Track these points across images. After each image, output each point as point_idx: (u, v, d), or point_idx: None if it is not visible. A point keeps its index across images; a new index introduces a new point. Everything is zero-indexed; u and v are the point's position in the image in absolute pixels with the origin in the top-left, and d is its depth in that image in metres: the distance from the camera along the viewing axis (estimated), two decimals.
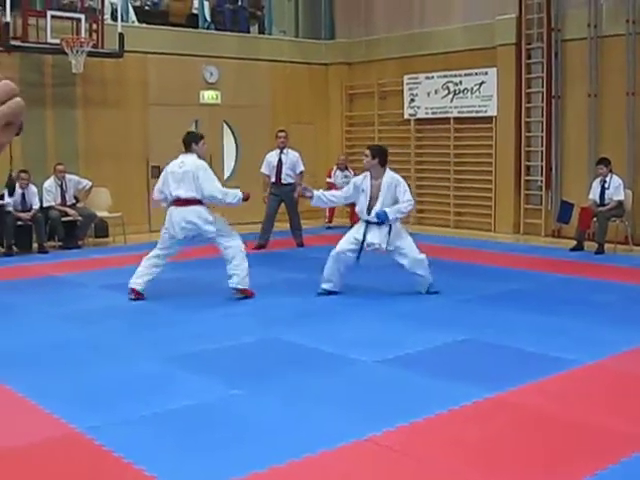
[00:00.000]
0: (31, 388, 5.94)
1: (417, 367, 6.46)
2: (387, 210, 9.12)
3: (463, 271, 11.20)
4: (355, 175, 16.30)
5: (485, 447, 4.77)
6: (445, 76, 16.20)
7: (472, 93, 15.83)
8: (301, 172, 13.91)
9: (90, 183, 14.33)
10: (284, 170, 13.74)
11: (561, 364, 6.47)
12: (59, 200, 13.86)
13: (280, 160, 13.78)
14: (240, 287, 9.22)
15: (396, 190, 9.36)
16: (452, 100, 16.16)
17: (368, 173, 9.43)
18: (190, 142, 9.38)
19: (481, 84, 15.66)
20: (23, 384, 6.04)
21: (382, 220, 9.12)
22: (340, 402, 5.61)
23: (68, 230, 13.85)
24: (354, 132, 18.47)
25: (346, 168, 16.43)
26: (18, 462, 4.69)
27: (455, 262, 11.98)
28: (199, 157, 9.31)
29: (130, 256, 12.63)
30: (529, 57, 15.22)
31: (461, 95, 16.03)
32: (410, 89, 16.88)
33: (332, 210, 16.33)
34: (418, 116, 16.83)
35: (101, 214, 14.49)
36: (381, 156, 9.43)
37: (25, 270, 11.69)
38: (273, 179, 13.74)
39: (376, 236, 9.21)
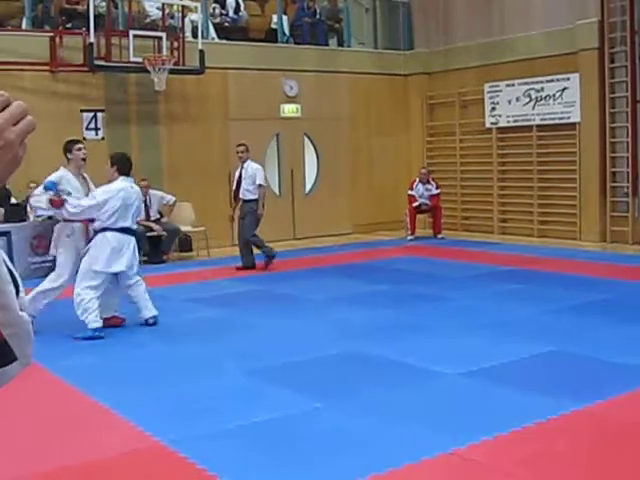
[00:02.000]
0: (116, 401, 6.03)
1: (502, 380, 6.36)
2: None
3: (548, 280, 11.00)
4: (437, 188, 16.30)
5: (573, 461, 4.67)
6: (526, 83, 16.00)
7: (554, 100, 15.61)
8: (260, 185, 12.84)
9: (174, 198, 14.52)
10: (243, 185, 12.88)
11: None
12: (143, 215, 14.07)
13: (240, 174, 13.01)
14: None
15: None
16: (534, 107, 15.94)
17: None
18: (65, 151, 9.09)
19: (563, 90, 15.43)
20: (108, 397, 6.13)
21: None
22: (424, 415, 5.55)
23: (153, 245, 14.05)
24: (435, 142, 18.37)
25: (428, 181, 16.32)
26: (104, 474, 4.77)
27: (540, 271, 11.78)
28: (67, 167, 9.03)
29: (214, 269, 12.81)
30: (612, 61, 14.93)
31: (543, 102, 15.81)
32: (491, 97, 16.72)
33: (414, 221, 16.25)
34: (500, 124, 16.65)
35: (185, 228, 14.67)
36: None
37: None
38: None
39: None
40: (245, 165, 13.00)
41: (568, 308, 9.07)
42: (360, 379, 6.55)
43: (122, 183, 8.76)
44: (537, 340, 7.56)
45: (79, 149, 8.99)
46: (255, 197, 12.81)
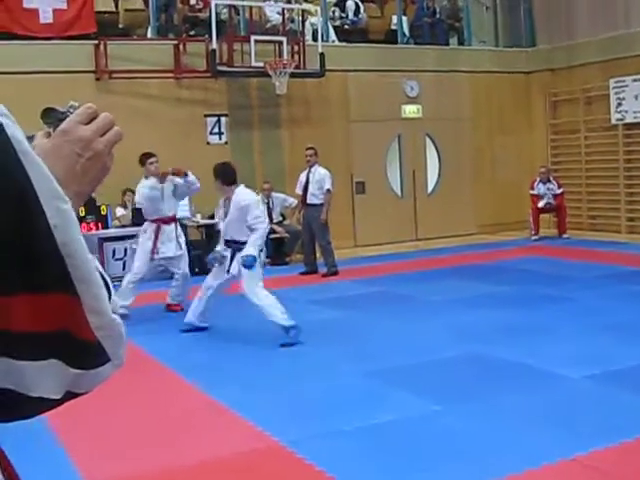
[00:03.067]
0: (235, 400, 6.15)
1: (628, 384, 6.19)
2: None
3: None
4: (560, 187, 15.97)
5: None
6: None
7: None
8: (328, 190, 12.88)
9: (296, 201, 14.64)
10: (310, 189, 12.91)
11: None
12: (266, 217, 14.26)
13: (307, 179, 12.99)
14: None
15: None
16: None
17: None
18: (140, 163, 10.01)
19: None
20: (229, 396, 6.27)
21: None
22: (545, 419, 5.46)
23: (276, 247, 14.23)
24: (559, 140, 18.00)
25: (548, 180, 16.01)
26: (222, 472, 4.87)
27: None
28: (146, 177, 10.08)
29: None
30: None
31: None
32: (616, 93, 16.27)
33: (537, 221, 15.98)
34: (626, 120, 16.18)
35: None
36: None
37: (235, 286, 12.07)
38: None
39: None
40: (313, 169, 12.99)
41: None
42: (480, 382, 6.49)
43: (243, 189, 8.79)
44: None
45: (151, 163, 9.91)
46: (321, 202, 12.82)
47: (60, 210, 1.00)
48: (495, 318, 8.84)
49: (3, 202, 0.96)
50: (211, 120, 14.90)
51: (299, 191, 13.14)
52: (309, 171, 13.01)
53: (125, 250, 12.28)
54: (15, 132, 0.99)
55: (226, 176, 8.70)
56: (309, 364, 7.33)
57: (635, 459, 4.71)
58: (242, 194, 8.59)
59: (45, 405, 1.08)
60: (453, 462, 4.76)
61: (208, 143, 14.91)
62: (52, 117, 1.24)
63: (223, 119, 14.99)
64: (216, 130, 14.97)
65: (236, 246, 8.56)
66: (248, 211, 8.35)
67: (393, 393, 6.25)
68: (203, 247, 13.67)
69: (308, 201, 12.92)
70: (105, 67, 13.67)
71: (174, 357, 7.39)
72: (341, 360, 7.38)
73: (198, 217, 13.70)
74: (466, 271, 12.31)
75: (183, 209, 13.21)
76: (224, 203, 8.83)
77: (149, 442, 5.42)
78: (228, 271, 8.71)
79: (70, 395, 1.10)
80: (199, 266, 13.31)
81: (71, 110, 1.23)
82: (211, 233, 13.75)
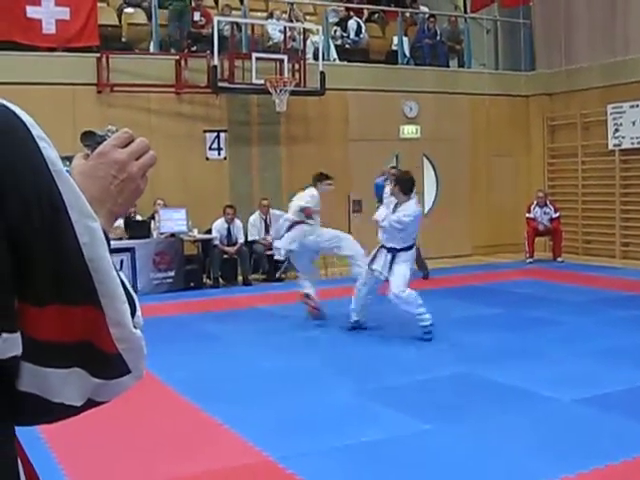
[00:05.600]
0: (227, 415, 6.19)
1: (617, 408, 6.23)
2: None
3: None
4: (556, 211, 16.03)
5: None
6: None
7: None
8: None
9: (294, 218, 14.70)
10: None
11: None
12: (263, 234, 14.33)
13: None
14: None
15: None
16: None
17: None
18: (314, 181, 10.63)
19: None
20: (220, 411, 6.30)
21: None
22: (534, 441, 5.50)
23: (272, 263, 14.27)
24: (556, 164, 18.09)
25: (545, 204, 16.07)
26: None
27: None
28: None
29: (331, 289, 12.87)
30: None
31: None
32: (614, 118, 16.37)
33: (532, 244, 16.03)
34: (623, 146, 16.28)
35: None
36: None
37: (230, 302, 12.14)
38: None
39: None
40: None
41: None
42: (471, 402, 6.53)
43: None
44: None
45: (329, 184, 10.66)
46: None
47: (89, 228, 1.08)
48: (487, 339, 8.89)
49: (37, 218, 1.03)
50: (210, 136, 14.97)
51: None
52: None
53: (121, 262, 12.31)
54: (51, 154, 1.07)
55: (405, 185, 9.26)
56: (301, 380, 7.37)
57: None
58: (410, 208, 9.22)
59: (67, 411, 1.14)
60: None
61: (207, 158, 14.97)
62: (91, 140, 1.32)
63: (222, 135, 15.06)
64: (215, 146, 15.03)
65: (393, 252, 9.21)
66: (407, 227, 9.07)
67: (384, 411, 6.29)
68: (199, 262, 13.74)
69: None
70: (107, 80, 13.75)
71: (166, 370, 7.41)
72: (333, 377, 7.42)
73: (195, 232, 13.75)
74: (460, 292, 12.36)
75: (180, 224, 13.27)
76: (393, 209, 9.26)
77: (139, 457, 5.44)
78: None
79: (91, 403, 1.17)
80: (194, 280, 13.37)
81: (109, 134, 1.32)
82: (207, 248, 13.81)
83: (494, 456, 5.22)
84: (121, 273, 1.16)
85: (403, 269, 9.06)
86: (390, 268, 9.08)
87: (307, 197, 10.39)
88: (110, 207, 1.27)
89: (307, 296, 10.38)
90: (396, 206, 9.22)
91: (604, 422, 5.91)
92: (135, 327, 1.15)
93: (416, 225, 9.24)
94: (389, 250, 9.15)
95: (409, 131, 17.07)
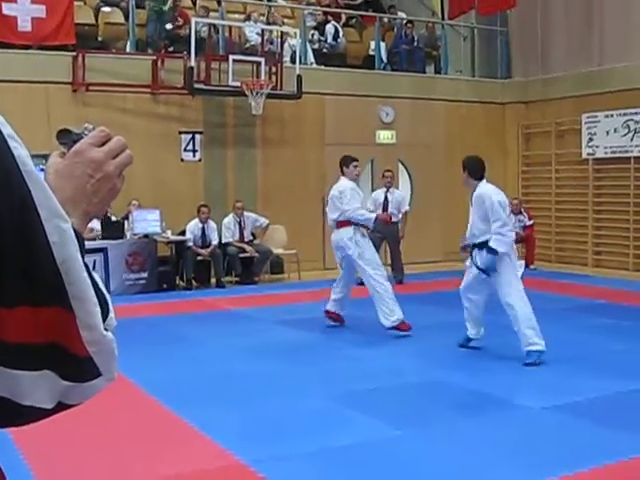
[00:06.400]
0: (200, 417, 6.17)
1: (586, 415, 6.26)
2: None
3: None
4: (530, 218, 16.10)
5: None
6: (625, 114, 15.72)
7: None
8: (405, 212, 14.31)
9: (267, 221, 14.72)
10: (390, 209, 13.94)
11: None
12: (237, 237, 14.30)
13: (386, 199, 14.12)
14: (388, 325, 9.27)
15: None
16: (633, 139, 15.65)
17: None
18: (340, 166, 9.85)
19: None
20: (193, 413, 6.27)
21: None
22: (504, 448, 5.52)
23: (245, 266, 14.25)
24: (530, 172, 18.19)
25: (520, 212, 16.12)
26: None
27: (635, 307, 11.53)
28: (350, 180, 9.72)
29: (304, 293, 12.90)
30: None
31: None
32: (588, 128, 16.48)
33: None
34: (597, 155, 16.39)
35: (277, 251, 14.83)
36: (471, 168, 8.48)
37: (203, 304, 12.10)
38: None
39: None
40: (391, 190, 14.26)
41: None
42: (442, 408, 6.55)
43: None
44: (627, 377, 7.41)
45: (355, 166, 9.88)
46: (397, 220, 14.01)
47: (60, 228, 1.06)
48: (458, 346, 8.88)
49: (6, 218, 1.01)
50: (186, 137, 14.92)
51: (372, 209, 13.51)
52: (387, 191, 14.19)
53: (94, 263, 12.23)
54: (21, 153, 1.05)
55: (475, 170, 8.42)
56: (273, 384, 7.35)
57: None
58: (485, 189, 8.28)
59: (37, 414, 1.13)
60: None
61: (182, 160, 14.93)
62: (67, 138, 1.30)
63: (198, 136, 15.02)
64: (190, 147, 14.99)
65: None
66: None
67: (356, 416, 6.29)
68: (172, 263, 13.69)
69: None
70: (82, 79, 13.67)
71: (138, 371, 7.37)
72: (306, 382, 7.41)
73: (168, 233, 13.70)
74: (431, 298, 12.39)
75: (153, 225, 13.21)
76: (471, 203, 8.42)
77: (108, 458, 5.40)
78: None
79: (62, 406, 1.15)
80: (167, 282, 13.32)
81: (85, 132, 1.30)
82: (181, 249, 13.77)
83: (463, 462, 5.23)
84: (95, 274, 1.14)
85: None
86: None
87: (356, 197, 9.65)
88: (85, 207, 1.25)
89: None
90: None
91: (575, 430, 5.93)
92: (106, 329, 1.13)
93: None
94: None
95: (385, 136, 17.10)
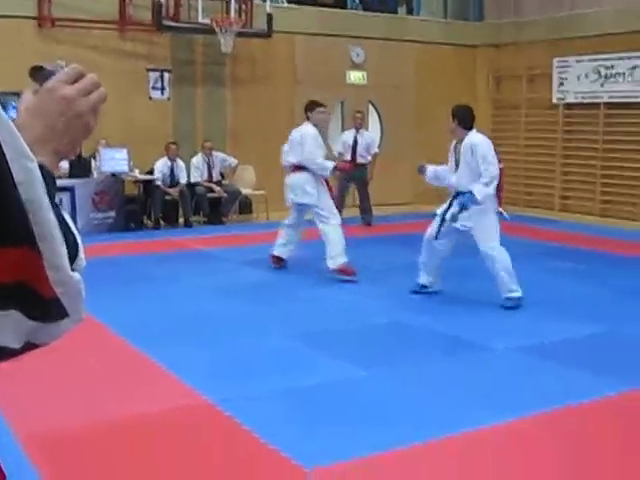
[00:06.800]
0: (167, 356, 6.19)
1: (552, 357, 6.34)
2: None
3: (608, 261, 10.87)
4: (499, 162, 16.10)
5: (618, 443, 4.68)
6: (596, 60, 15.71)
7: (624, 78, 15.32)
8: (375, 154, 14.26)
9: (236, 161, 14.64)
10: (358, 150, 13.97)
11: None
12: (206, 176, 14.23)
13: (355, 140, 14.05)
14: (333, 267, 9.26)
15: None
16: (603, 85, 15.66)
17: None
18: (305, 111, 9.70)
19: (634, 68, 15.13)
20: (161, 352, 6.30)
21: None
22: (469, 388, 5.59)
23: (213, 206, 14.21)
24: (501, 116, 18.15)
25: None
26: (149, 427, 4.91)
27: (599, 251, 11.63)
28: (313, 125, 9.52)
29: (272, 233, 12.84)
30: None
31: (613, 79, 15.52)
32: (559, 73, 16.45)
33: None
34: (567, 100, 16.39)
35: (245, 191, 14.78)
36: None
37: (171, 243, 12.08)
38: (348, 158, 13.71)
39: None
40: (361, 131, 14.21)
41: (628, 290, 8.92)
42: (408, 350, 6.61)
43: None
44: (591, 319, 7.51)
45: (321, 112, 9.70)
46: (367, 162, 14.07)
47: (26, 168, 1.03)
48: (410, 292, 8.85)
49: None
50: (154, 75, 14.74)
51: (341, 150, 13.91)
52: (357, 133, 14.11)
53: (61, 201, 12.12)
54: None
55: (465, 119, 8.34)
56: (240, 323, 7.38)
57: (550, 429, 4.85)
58: (477, 139, 8.21)
59: (4, 354, 1.11)
60: (376, 426, 4.85)
61: (150, 98, 14.76)
62: (39, 75, 1.27)
63: (166, 74, 14.84)
64: (158, 85, 14.82)
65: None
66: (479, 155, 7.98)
67: (322, 357, 6.33)
68: (140, 203, 13.62)
69: (357, 161, 13.81)
70: (48, 14, 13.42)
71: (105, 311, 7.35)
72: (272, 322, 7.44)
73: (136, 172, 13.60)
74: (399, 240, 12.41)
75: (121, 163, 13.10)
76: (454, 150, 8.42)
77: (75, 396, 5.41)
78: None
79: (30, 346, 1.14)
80: (135, 221, 13.27)
81: (58, 69, 1.27)
82: (149, 188, 13.68)
83: (428, 402, 5.30)
84: (65, 213, 1.12)
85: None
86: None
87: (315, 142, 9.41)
88: (55, 145, 1.23)
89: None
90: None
91: (539, 371, 6.02)
92: (74, 270, 1.11)
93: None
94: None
95: (356, 77, 16.99)
